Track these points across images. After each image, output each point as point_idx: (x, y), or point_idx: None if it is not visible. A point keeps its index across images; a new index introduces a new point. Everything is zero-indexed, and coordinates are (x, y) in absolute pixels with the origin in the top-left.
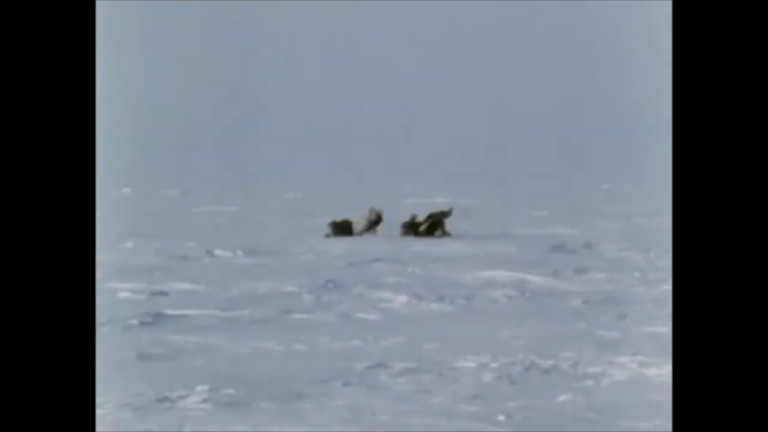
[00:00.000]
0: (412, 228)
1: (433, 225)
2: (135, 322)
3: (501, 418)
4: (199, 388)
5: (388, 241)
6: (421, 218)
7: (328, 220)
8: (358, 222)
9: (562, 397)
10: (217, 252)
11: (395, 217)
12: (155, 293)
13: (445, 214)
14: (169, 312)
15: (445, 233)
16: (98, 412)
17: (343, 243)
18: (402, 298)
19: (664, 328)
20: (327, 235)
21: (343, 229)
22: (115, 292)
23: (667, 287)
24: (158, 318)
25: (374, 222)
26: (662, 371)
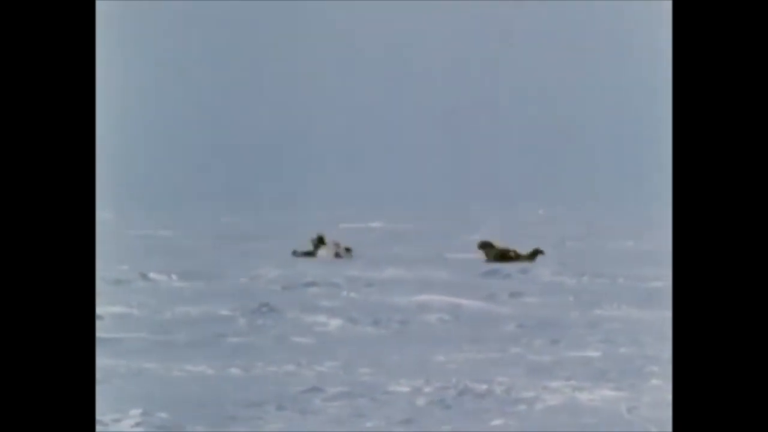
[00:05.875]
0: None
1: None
2: None
3: None
4: (132, 412)
5: (323, 265)
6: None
7: (263, 244)
8: (324, 250)
9: (496, 422)
10: (152, 275)
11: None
12: None
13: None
14: (103, 335)
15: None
16: None
17: (278, 267)
18: (336, 322)
19: (596, 353)
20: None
21: (308, 253)
22: None
23: (600, 311)
24: None
25: (338, 254)
26: (594, 395)
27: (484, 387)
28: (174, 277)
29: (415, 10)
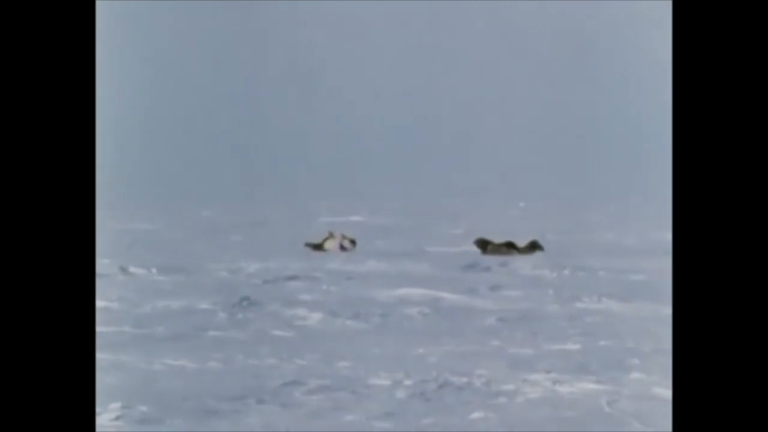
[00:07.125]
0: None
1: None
2: None
3: None
4: (112, 406)
5: (304, 259)
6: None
7: (243, 238)
8: (330, 242)
9: (476, 415)
10: (132, 269)
11: (311, 237)
12: None
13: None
14: None
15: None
16: None
17: (258, 261)
18: (317, 316)
19: (576, 346)
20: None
21: (317, 246)
22: None
23: (581, 305)
24: None
25: (344, 246)
26: (574, 388)
27: (465, 380)
28: (154, 270)
29: (413, 7)
